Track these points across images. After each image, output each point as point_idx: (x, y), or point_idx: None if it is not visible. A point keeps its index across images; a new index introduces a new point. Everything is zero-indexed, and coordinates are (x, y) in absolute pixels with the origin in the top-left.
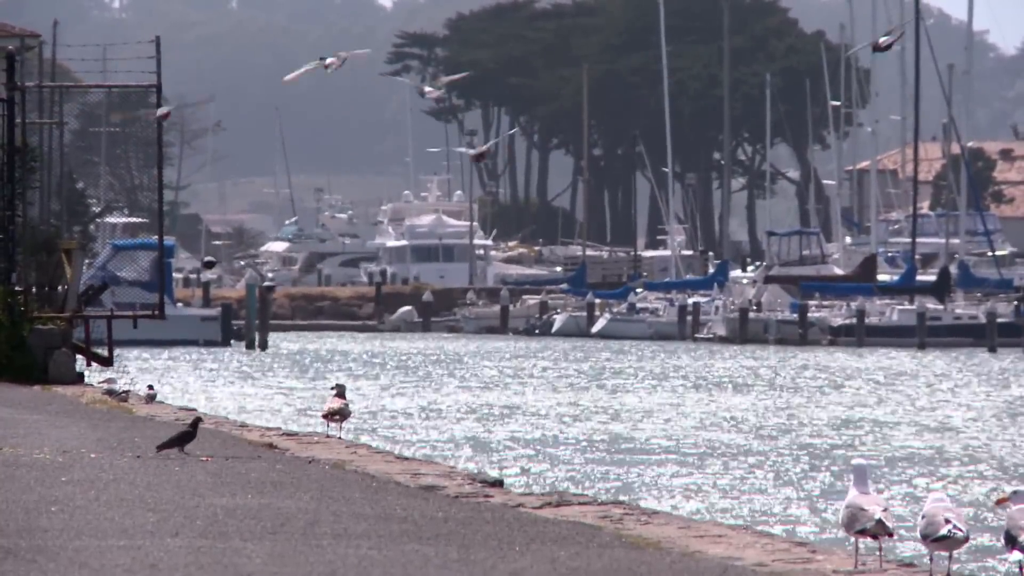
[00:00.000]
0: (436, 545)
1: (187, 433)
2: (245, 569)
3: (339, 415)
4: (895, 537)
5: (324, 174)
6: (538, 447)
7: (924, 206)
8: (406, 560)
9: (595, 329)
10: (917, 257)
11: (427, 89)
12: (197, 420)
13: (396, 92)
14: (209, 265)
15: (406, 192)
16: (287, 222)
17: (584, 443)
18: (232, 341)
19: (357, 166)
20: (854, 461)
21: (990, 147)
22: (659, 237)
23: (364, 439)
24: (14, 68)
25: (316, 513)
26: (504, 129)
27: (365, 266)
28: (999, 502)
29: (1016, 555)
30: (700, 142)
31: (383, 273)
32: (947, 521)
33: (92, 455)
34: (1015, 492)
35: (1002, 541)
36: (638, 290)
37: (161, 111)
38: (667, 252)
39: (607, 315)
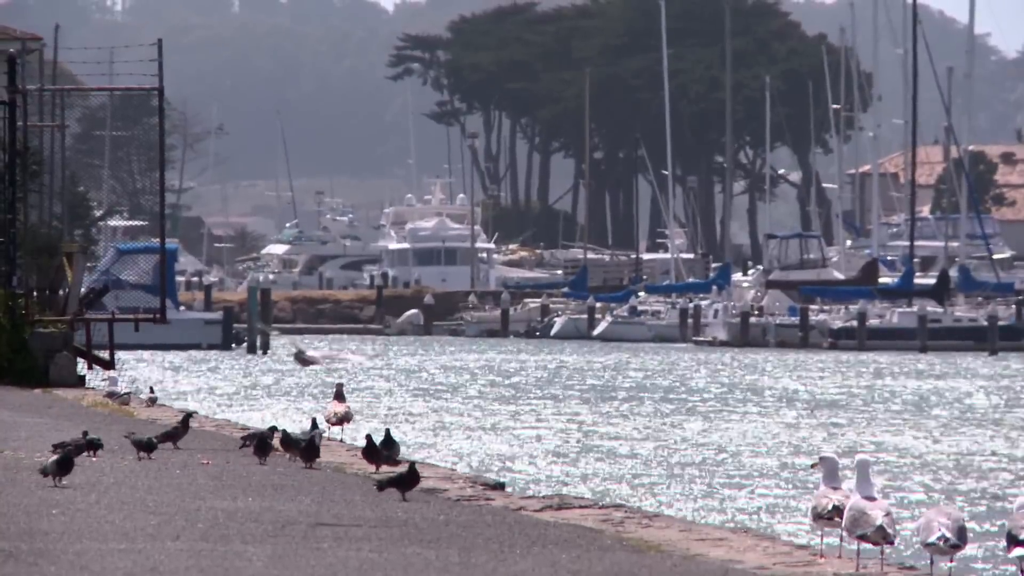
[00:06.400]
0: (437, 548)
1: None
2: (246, 572)
3: (344, 419)
4: (895, 544)
5: (326, 177)
6: (539, 450)
7: (925, 209)
8: (407, 563)
9: (596, 332)
10: (916, 260)
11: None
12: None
13: (398, 95)
14: (301, 359)
15: (408, 195)
16: (288, 225)
17: (585, 446)
18: (233, 344)
19: (358, 169)
20: (857, 457)
21: (991, 150)
22: (660, 240)
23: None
24: (15, 71)
25: (317, 516)
26: (505, 132)
27: (368, 269)
28: (813, 466)
29: (1018, 551)
30: (701, 145)
31: (384, 276)
32: (938, 527)
33: (93, 458)
34: (822, 457)
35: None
36: (639, 293)
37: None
38: (668, 255)
39: (608, 318)
